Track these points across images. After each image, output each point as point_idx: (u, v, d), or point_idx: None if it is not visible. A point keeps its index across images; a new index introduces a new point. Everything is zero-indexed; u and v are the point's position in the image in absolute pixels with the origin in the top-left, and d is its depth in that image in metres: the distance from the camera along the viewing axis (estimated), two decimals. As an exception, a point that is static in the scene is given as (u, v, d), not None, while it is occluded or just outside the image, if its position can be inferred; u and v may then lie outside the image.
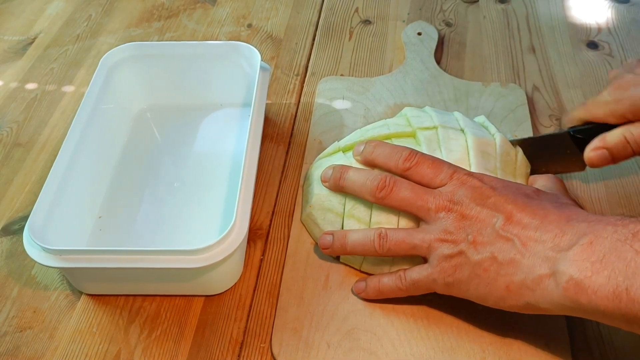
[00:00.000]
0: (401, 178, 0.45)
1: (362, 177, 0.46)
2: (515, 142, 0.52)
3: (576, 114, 0.50)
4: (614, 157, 0.47)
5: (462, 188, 0.43)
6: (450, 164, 0.45)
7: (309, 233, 0.51)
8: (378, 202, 0.45)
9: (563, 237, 0.38)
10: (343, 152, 0.52)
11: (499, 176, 0.48)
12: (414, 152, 0.46)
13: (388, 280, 0.45)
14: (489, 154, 0.49)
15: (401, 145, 0.47)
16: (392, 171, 0.46)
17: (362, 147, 0.49)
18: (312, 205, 0.50)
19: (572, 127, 0.50)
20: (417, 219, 0.45)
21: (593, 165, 0.48)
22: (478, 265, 0.41)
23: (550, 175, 0.50)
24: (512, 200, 0.41)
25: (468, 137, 0.49)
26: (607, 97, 0.47)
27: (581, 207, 0.44)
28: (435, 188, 0.44)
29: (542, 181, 0.49)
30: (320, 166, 0.52)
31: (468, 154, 0.48)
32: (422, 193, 0.44)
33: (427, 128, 0.51)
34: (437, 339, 0.45)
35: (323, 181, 0.49)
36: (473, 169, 0.47)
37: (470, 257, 0.41)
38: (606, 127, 0.47)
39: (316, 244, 0.51)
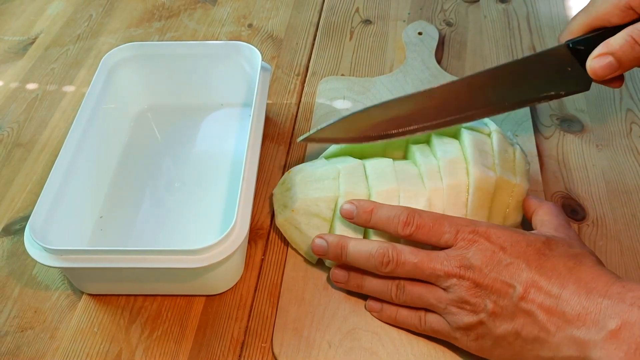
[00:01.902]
0: (403, 245, 0.43)
1: (364, 252, 0.44)
2: (507, 66, 0.46)
3: (573, 22, 0.44)
4: (621, 62, 0.42)
5: (470, 250, 0.41)
6: (451, 221, 0.43)
7: (287, 238, 0.50)
8: (385, 274, 0.44)
9: (587, 317, 0.37)
10: (325, 158, 0.52)
11: (497, 173, 0.47)
12: (411, 215, 0.43)
13: (407, 316, 0.44)
14: (486, 152, 0.49)
15: (396, 207, 0.44)
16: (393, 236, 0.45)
17: (353, 210, 0.45)
18: (295, 209, 0.49)
19: (570, 40, 0.45)
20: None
21: (598, 77, 0.43)
22: (501, 339, 0.40)
23: (549, 205, 0.47)
24: (524, 263, 0.40)
25: (465, 135, 0.49)
26: None
27: (589, 250, 0.42)
28: (441, 249, 0.43)
29: (543, 215, 0.46)
30: (301, 170, 0.51)
31: (463, 153, 0.49)
32: (428, 261, 0.42)
33: (420, 142, 0.51)
34: (438, 339, 0.45)
35: (318, 254, 0.46)
36: (471, 167, 0.47)
37: (492, 330, 0.40)
38: (609, 34, 0.43)
39: (296, 251, 0.50)
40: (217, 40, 0.72)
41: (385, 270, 0.43)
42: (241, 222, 0.45)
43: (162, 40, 0.73)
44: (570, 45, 0.43)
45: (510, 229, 0.43)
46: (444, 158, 0.48)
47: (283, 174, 0.56)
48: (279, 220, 0.50)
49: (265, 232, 0.53)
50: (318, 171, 0.50)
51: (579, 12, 0.45)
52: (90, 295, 0.49)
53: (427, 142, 0.51)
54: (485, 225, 0.42)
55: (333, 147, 0.53)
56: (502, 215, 0.49)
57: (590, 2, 0.44)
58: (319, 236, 0.46)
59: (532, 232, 0.44)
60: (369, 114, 0.49)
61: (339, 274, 0.46)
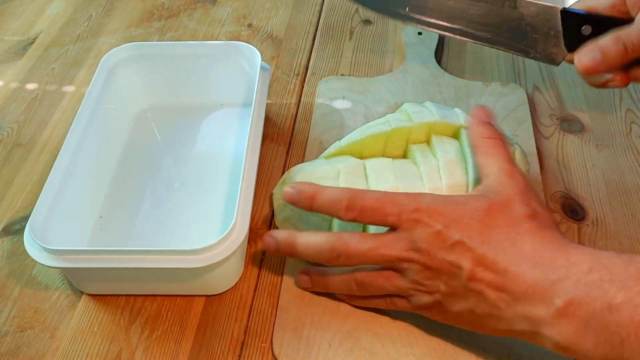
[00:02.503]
0: (351, 235, 0.42)
1: (312, 247, 0.43)
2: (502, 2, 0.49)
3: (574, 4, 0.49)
4: (605, 55, 0.46)
5: (415, 232, 0.40)
6: (393, 200, 0.41)
7: None
8: (340, 266, 0.44)
9: (535, 294, 0.37)
10: (325, 158, 0.52)
11: None
12: (352, 199, 0.42)
13: (374, 300, 0.45)
14: None
15: (339, 189, 0.43)
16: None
17: (294, 195, 0.44)
18: (294, 208, 0.48)
19: (566, 7, 0.48)
20: None
21: (583, 67, 0.46)
22: (459, 315, 0.41)
23: (493, 150, 0.45)
24: (468, 239, 0.39)
25: (465, 135, 0.49)
26: None
27: (541, 202, 0.42)
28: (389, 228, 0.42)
29: (487, 167, 0.44)
30: (301, 170, 0.51)
31: (463, 153, 0.49)
32: (376, 248, 0.41)
33: (420, 142, 0.51)
34: (438, 339, 0.45)
35: (270, 251, 0.46)
36: (470, 167, 0.47)
37: (449, 308, 0.41)
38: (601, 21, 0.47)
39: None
40: (216, 40, 0.72)
41: (338, 264, 0.43)
42: (241, 222, 0.45)
43: (162, 40, 0.73)
44: (564, 10, 0.47)
45: (453, 199, 0.42)
46: (444, 158, 0.48)
47: (283, 174, 0.56)
48: (279, 220, 0.50)
49: (265, 232, 0.53)
50: (318, 171, 0.50)
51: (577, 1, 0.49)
52: (90, 295, 0.49)
53: (427, 142, 0.51)
54: (427, 201, 0.41)
55: (333, 147, 0.53)
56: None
57: None
58: (269, 233, 0.45)
59: (474, 195, 0.42)
60: None
61: (303, 278, 0.47)
